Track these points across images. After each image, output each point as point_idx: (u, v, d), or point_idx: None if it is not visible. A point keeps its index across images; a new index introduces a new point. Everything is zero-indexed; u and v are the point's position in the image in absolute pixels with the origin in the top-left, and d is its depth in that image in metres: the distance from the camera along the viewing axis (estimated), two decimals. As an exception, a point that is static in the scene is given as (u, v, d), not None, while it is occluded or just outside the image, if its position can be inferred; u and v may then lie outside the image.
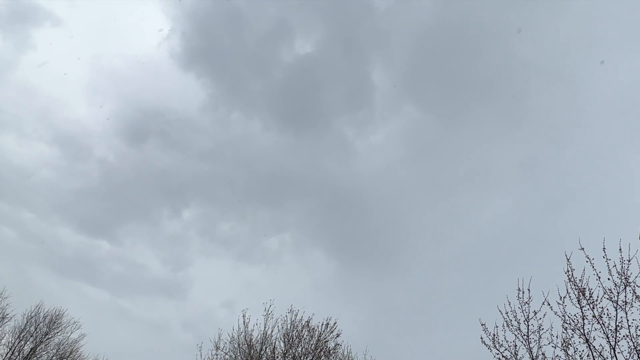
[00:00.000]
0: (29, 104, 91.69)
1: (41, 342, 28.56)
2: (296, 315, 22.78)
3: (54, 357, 28.49)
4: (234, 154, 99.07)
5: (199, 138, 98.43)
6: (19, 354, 28.03)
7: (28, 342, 28.40)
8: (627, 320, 13.88)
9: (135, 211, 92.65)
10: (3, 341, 28.66)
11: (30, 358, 28.00)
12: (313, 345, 22.06)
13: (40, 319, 29.04)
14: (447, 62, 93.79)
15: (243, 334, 23.24)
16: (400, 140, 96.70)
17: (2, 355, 28.28)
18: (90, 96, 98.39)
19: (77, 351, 28.90)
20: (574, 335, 14.77)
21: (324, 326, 22.17)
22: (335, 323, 22.21)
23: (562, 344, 15.06)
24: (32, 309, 29.41)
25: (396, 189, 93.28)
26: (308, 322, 22.31)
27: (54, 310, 29.77)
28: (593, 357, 14.55)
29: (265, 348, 22.70)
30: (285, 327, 22.78)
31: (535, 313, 15.41)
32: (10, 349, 28.27)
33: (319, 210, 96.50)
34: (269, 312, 23.07)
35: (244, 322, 23.44)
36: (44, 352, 28.59)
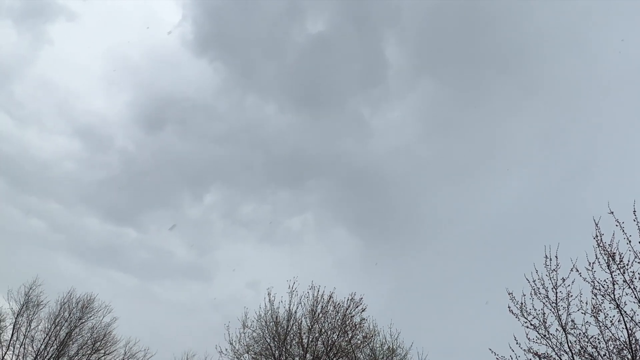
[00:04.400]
0: (48, 99, 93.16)
1: (75, 326, 29.52)
2: (318, 291, 23.04)
3: (88, 341, 29.46)
4: (250, 137, 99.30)
5: (214, 123, 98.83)
6: (55, 339, 29.02)
7: (63, 327, 29.38)
8: (659, 284, 13.59)
9: (157, 198, 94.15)
10: (40, 327, 29.73)
11: (66, 342, 28.99)
12: (339, 321, 22.32)
13: (73, 304, 29.98)
14: (461, 34, 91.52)
15: (269, 311, 23.61)
16: (417, 117, 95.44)
17: (40, 341, 29.35)
18: (107, 87, 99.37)
19: (110, 334, 29.90)
20: (604, 301, 14.56)
21: (349, 301, 22.39)
22: (361, 298, 22.42)
23: (592, 310, 14.87)
24: (65, 295, 30.41)
25: (415, 165, 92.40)
26: (330, 296, 22.53)
27: (86, 296, 30.72)
28: (624, 323, 14.34)
29: (292, 324, 23.02)
30: (308, 304, 23.07)
31: (564, 280, 15.19)
32: (47, 334, 29.30)
33: (339, 189, 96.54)
34: (293, 289, 23.33)
35: (270, 299, 23.79)
36: (79, 336, 29.59)
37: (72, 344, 29.35)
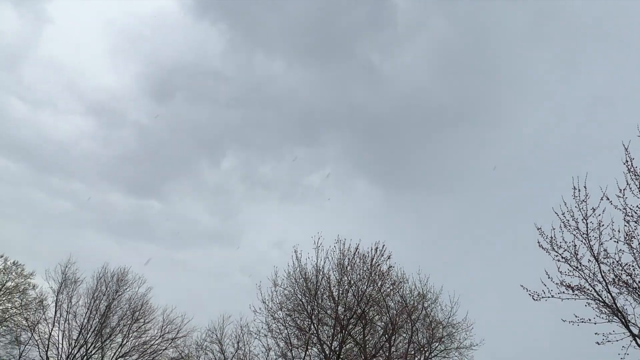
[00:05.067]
0: (57, 79, 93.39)
1: (114, 299, 30.57)
2: (344, 244, 23.03)
3: (127, 311, 30.55)
4: (261, 97, 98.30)
5: (223, 86, 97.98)
6: (96, 313, 30.15)
7: (102, 301, 30.47)
8: (695, 204, 13.04)
9: (176, 168, 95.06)
10: (80, 302, 30.86)
11: (107, 315, 30.10)
12: (367, 271, 22.43)
13: (109, 278, 30.94)
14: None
15: (298, 269, 23.85)
16: (430, 58, 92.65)
17: (82, 315, 30.54)
18: (112, 62, 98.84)
19: (147, 303, 30.90)
20: (638, 227, 14.11)
21: (374, 251, 22.40)
22: (384, 246, 22.34)
23: (625, 238, 14.47)
24: (100, 271, 31.37)
25: (432, 108, 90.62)
26: (357, 248, 22.54)
27: (119, 269, 31.62)
28: (660, 247, 13.94)
29: (321, 279, 23.26)
30: (335, 257, 23.17)
31: (594, 210, 14.71)
32: (88, 309, 30.44)
33: (355, 141, 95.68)
34: (319, 244, 23.36)
35: (297, 257, 23.96)
36: (118, 308, 30.69)
37: (113, 315, 30.50)
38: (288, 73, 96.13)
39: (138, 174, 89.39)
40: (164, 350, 30.26)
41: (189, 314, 31.94)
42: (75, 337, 29.86)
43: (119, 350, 30.09)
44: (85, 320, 30.05)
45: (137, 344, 30.32)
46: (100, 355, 30.45)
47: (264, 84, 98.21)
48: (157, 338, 30.36)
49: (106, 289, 30.59)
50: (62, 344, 29.73)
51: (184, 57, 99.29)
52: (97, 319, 29.96)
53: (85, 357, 29.78)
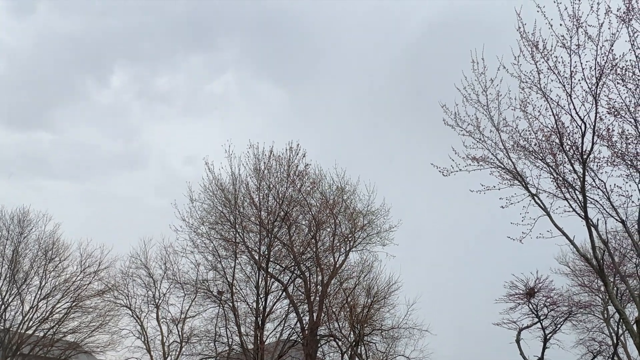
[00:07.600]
0: None
1: (19, 242, 28.26)
2: (257, 148, 22.47)
3: (39, 252, 28.49)
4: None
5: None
6: (3, 259, 27.89)
7: (7, 246, 28.09)
8: (581, 64, 13.71)
9: (60, 92, 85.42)
10: (-18, 251, 28.30)
11: (16, 259, 27.94)
12: (284, 172, 22.27)
13: (8, 221, 28.29)
14: None
15: (213, 181, 23.16)
16: None
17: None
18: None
19: (59, 240, 28.90)
20: (531, 92, 14.81)
21: (289, 151, 22.12)
22: (298, 145, 22.12)
23: (521, 105, 15.25)
24: (-4, 214, 28.44)
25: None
26: (271, 150, 22.12)
27: (19, 210, 28.86)
28: (551, 109, 14.80)
29: (239, 187, 22.87)
30: (250, 163, 22.70)
31: (492, 81, 15.23)
32: (-7, 257, 28.08)
33: (253, 40, 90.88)
34: (230, 152, 22.61)
35: (209, 168, 23.16)
36: (27, 250, 28.51)
37: (23, 259, 28.40)
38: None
39: (17, 103, 78.15)
40: (88, 284, 29.11)
41: (107, 245, 30.54)
42: (-14, 288, 27.80)
43: (39, 292, 28.53)
44: (-6, 269, 27.86)
45: (57, 283, 28.82)
46: (19, 300, 28.79)
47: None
48: (78, 274, 29.01)
49: (8, 232, 28.11)
50: (-28, 295, 27.64)
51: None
52: (7, 266, 27.83)
53: (2, 305, 28.02)
